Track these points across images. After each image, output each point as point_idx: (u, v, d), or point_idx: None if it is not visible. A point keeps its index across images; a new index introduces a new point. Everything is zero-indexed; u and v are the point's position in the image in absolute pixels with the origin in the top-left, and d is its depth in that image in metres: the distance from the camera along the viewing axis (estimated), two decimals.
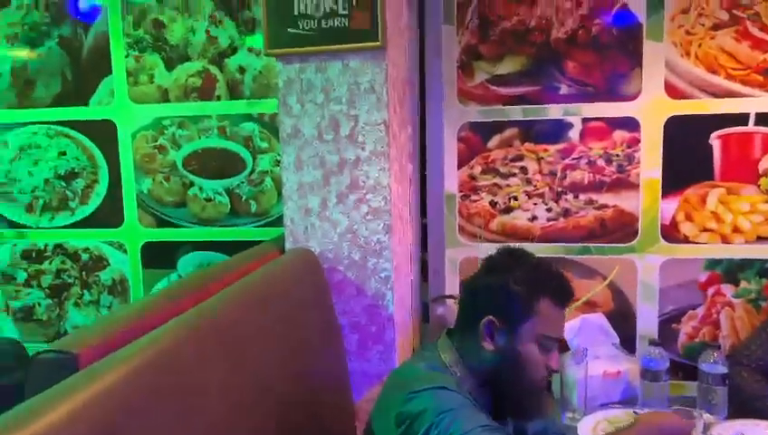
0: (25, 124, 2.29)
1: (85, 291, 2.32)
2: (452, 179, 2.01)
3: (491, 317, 1.19)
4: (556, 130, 1.94)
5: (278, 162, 2.14)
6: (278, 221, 2.15)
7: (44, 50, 2.25)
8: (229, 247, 2.19)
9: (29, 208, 2.32)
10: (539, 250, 1.79)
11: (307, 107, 1.69)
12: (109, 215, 2.28)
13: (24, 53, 2.26)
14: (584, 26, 1.88)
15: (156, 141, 2.21)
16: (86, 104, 2.25)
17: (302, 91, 1.68)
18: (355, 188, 1.68)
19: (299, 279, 1.58)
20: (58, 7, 2.23)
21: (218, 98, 2.15)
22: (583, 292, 1.90)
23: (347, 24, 1.59)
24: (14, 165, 2.32)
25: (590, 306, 1.94)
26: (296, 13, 1.61)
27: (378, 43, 1.58)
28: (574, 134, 1.93)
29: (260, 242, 2.06)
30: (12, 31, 2.26)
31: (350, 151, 1.68)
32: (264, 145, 2.16)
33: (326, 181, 1.70)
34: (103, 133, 2.24)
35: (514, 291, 1.19)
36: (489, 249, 1.96)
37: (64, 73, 2.25)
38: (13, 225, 2.34)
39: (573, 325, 1.82)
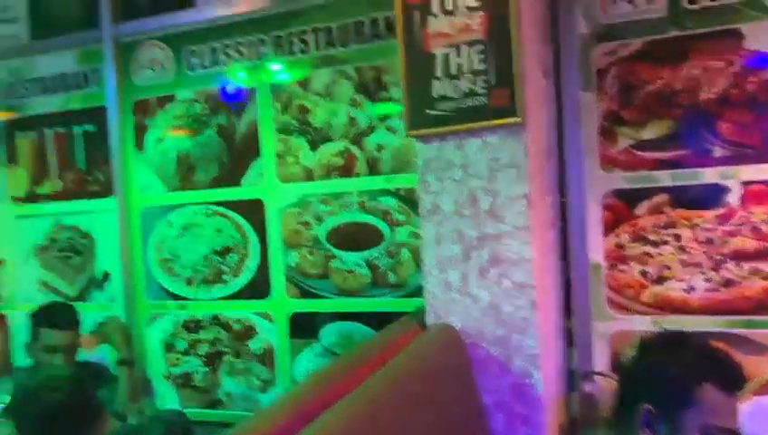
0: (187, 205, 2.53)
1: (237, 360, 2.46)
2: (597, 249, 1.93)
3: (648, 405, 1.10)
4: (711, 195, 1.81)
5: (415, 234, 2.18)
6: (417, 292, 2.17)
7: (204, 138, 2.50)
8: (370, 317, 2.24)
9: (189, 282, 2.53)
10: (698, 323, 1.65)
11: (446, 183, 1.71)
12: (258, 287, 2.42)
13: (187, 142, 2.52)
14: (738, 84, 1.76)
15: (301, 217, 2.34)
16: (239, 185, 2.44)
17: (440, 168, 1.71)
18: (496, 263, 1.66)
19: (442, 356, 1.57)
20: (215, 100, 2.48)
21: (358, 175, 2.26)
22: (754, 371, 1.71)
23: (486, 102, 1.62)
24: (177, 242, 2.55)
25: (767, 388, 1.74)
26: (435, 96, 1.66)
27: (517, 119, 1.59)
28: (733, 198, 1.79)
29: (400, 313, 2.09)
30: (177, 123, 2.53)
31: (490, 226, 1.67)
32: (402, 218, 2.21)
33: (466, 256, 1.70)
34: (254, 211, 2.42)
35: (673, 376, 1.10)
36: (641, 322, 1.88)
37: (221, 158, 2.48)
38: (175, 297, 2.56)
39: (746, 410, 1.64)
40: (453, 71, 1.65)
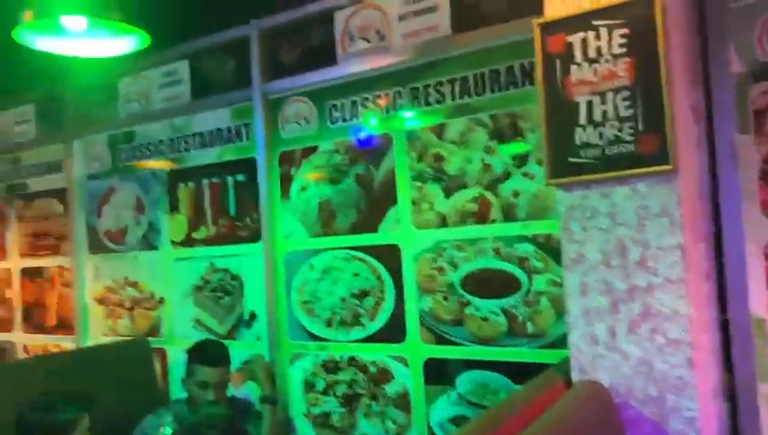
0: (327, 250, 2.65)
1: (373, 402, 2.50)
2: (760, 302, 1.76)
3: None
4: None
5: (555, 283, 2.13)
6: (557, 343, 2.10)
7: (344, 186, 2.62)
8: (507, 367, 2.20)
9: (328, 323, 2.64)
10: None
11: (591, 232, 1.67)
12: (394, 331, 2.47)
13: (328, 190, 2.66)
14: None
15: (435, 263, 2.37)
16: (376, 231, 2.53)
17: (585, 216, 1.67)
18: (648, 317, 1.58)
19: (591, 415, 1.50)
20: (354, 150, 2.60)
21: (493, 221, 2.25)
22: None
23: (633, 149, 1.56)
24: (318, 285, 2.68)
25: None
26: (578, 143, 1.64)
27: (668, 166, 1.52)
28: None
29: (540, 365, 2.03)
30: (319, 172, 2.68)
31: (640, 277, 1.59)
32: (540, 265, 2.17)
33: (614, 309, 1.63)
34: (390, 256, 2.48)
35: None
36: None
37: (359, 205, 2.58)
38: (315, 338, 2.67)
39: None
40: (597, 118, 1.62)
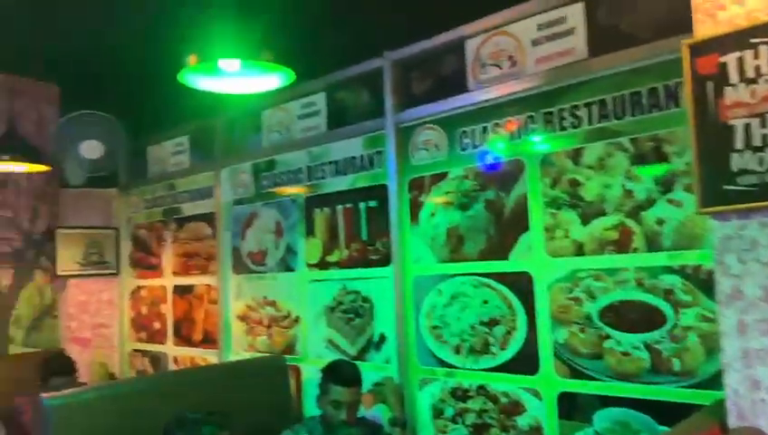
0: (456, 275, 2.65)
1: (504, 434, 2.45)
2: None
3: None
4: None
5: (705, 318, 1.97)
6: (708, 383, 1.94)
7: (473, 212, 2.61)
8: (650, 406, 2.07)
9: (457, 350, 2.62)
10: None
11: (750, 266, 1.53)
12: (526, 362, 2.40)
13: (457, 216, 2.67)
14: None
15: (571, 293, 2.29)
16: (506, 258, 2.49)
17: (742, 248, 1.54)
18: None
19: None
20: (484, 176, 2.59)
21: (635, 250, 2.14)
22: None
23: None
24: (446, 310, 2.68)
25: None
26: (734, 170, 1.52)
27: None
28: None
29: (687, 405, 1.90)
30: (449, 198, 2.70)
31: None
32: (687, 299, 2.02)
33: None
34: (521, 284, 2.43)
35: None
36: None
37: (488, 231, 2.56)
38: (443, 364, 2.67)
39: None
40: (757, 142, 1.50)
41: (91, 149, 3.89)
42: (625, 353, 2.14)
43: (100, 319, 4.38)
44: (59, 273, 4.20)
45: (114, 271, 4.41)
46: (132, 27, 3.19)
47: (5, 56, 3.76)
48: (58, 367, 3.35)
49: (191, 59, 1.84)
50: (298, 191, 3.34)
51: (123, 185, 4.43)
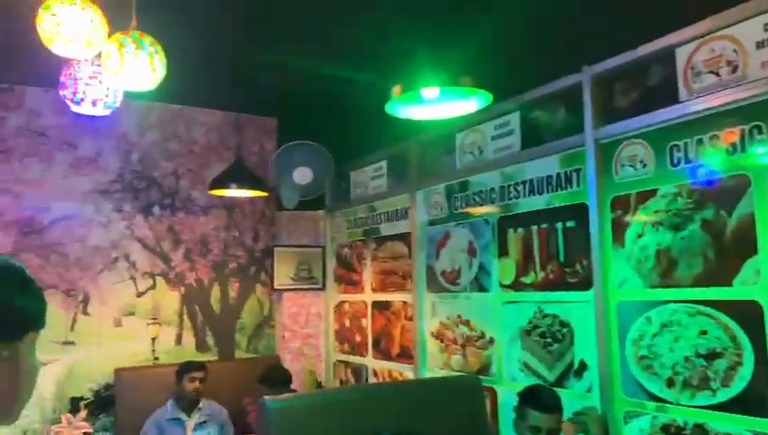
0: (667, 302, 2.44)
1: None
2: None
3: None
4: None
5: None
6: None
7: (687, 233, 2.39)
8: None
9: (669, 383, 2.41)
10: None
11: None
12: (754, 401, 2.13)
13: (668, 237, 2.46)
14: None
15: None
16: (729, 285, 2.24)
17: None
18: None
19: None
20: (700, 193, 2.36)
21: None
22: None
23: None
24: (656, 340, 2.47)
25: None
26: None
27: None
28: None
29: None
30: (658, 217, 2.51)
31: None
32: None
33: None
34: (748, 314, 2.17)
35: None
36: None
37: (706, 254, 2.33)
38: (653, 397, 2.46)
39: None
40: None
41: (303, 175, 4.29)
42: None
43: (309, 329, 4.78)
44: (276, 286, 4.69)
45: (320, 286, 4.79)
46: (341, 60, 3.49)
47: (235, 96, 4.33)
48: (278, 377, 3.78)
49: (396, 90, 1.96)
50: (491, 211, 3.35)
51: (329, 207, 4.81)
